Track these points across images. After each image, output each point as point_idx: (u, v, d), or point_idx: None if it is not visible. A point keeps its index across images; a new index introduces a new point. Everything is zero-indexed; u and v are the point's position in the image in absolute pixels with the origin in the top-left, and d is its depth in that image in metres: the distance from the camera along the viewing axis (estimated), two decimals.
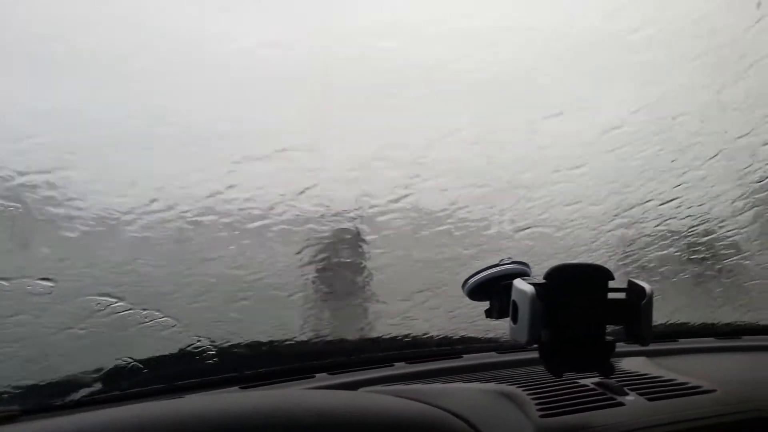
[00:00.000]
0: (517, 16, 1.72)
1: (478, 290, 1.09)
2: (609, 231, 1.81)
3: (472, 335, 1.44)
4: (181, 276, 1.39)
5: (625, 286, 0.93)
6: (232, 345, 1.26)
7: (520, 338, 0.90)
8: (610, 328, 0.93)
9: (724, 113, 1.84)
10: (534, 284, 0.89)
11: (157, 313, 1.28)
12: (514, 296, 0.91)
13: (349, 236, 1.58)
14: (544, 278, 0.92)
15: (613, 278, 0.92)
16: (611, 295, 0.92)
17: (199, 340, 1.25)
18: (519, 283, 0.91)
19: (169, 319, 1.26)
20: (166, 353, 1.26)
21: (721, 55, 1.81)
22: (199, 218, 1.43)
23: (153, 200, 1.38)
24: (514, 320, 0.91)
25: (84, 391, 1.14)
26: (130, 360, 1.21)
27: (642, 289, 0.90)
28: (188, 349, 1.27)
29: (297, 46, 1.56)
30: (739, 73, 1.81)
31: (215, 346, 1.25)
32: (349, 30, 1.60)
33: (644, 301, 0.89)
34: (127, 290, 1.30)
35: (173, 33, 1.47)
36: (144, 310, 1.29)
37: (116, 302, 1.27)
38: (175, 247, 1.43)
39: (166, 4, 1.51)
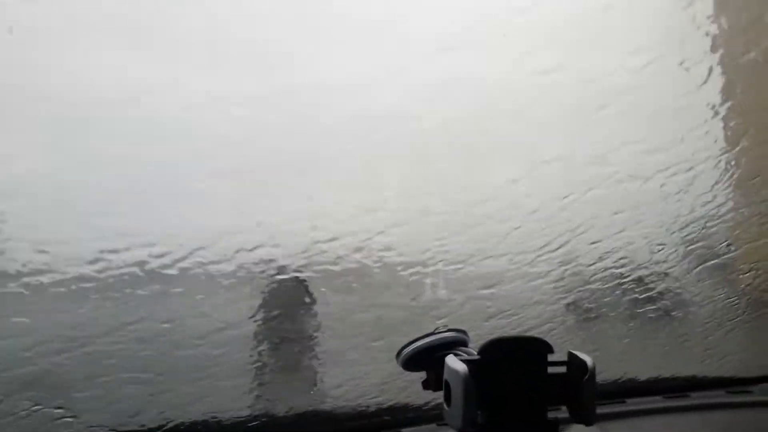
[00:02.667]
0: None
1: (412, 361, 1.01)
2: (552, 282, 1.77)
3: (413, 404, 1.35)
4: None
5: (564, 358, 0.86)
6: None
7: (454, 423, 0.81)
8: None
9: None
10: (467, 361, 0.81)
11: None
12: (446, 376, 0.83)
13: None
14: (478, 353, 0.84)
15: (552, 351, 0.84)
16: (551, 369, 0.85)
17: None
18: (451, 362, 0.82)
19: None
20: None
21: None
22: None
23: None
24: (447, 402, 0.82)
25: None
26: None
27: (583, 363, 0.83)
28: None
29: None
30: None
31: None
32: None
33: (586, 377, 0.82)
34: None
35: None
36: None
37: None
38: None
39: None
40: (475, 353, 0.85)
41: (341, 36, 1.68)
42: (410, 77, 1.65)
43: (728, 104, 1.79)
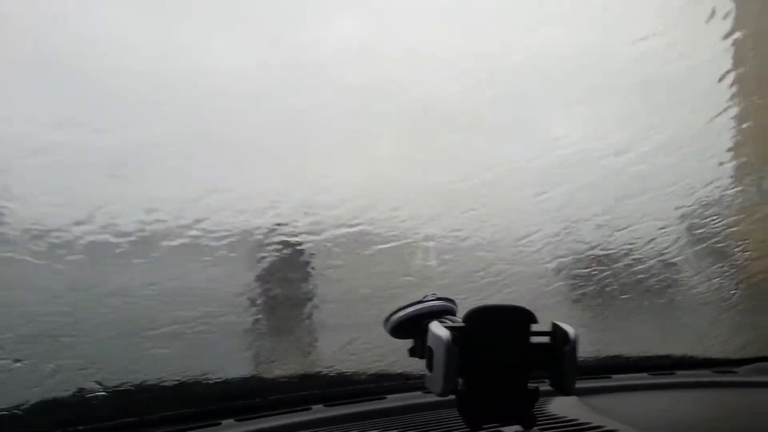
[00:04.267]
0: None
1: (400, 328, 1.01)
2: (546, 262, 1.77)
3: (400, 372, 1.36)
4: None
5: (548, 329, 0.86)
6: (124, 388, 1.13)
7: (435, 388, 0.81)
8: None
9: None
10: (451, 328, 0.81)
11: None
12: (429, 342, 0.83)
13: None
14: (463, 321, 0.84)
15: (536, 321, 0.84)
16: (534, 339, 0.85)
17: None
18: (435, 327, 0.82)
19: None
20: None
21: None
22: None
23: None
24: (429, 368, 0.83)
25: None
26: None
27: (566, 333, 0.83)
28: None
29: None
30: None
31: (105, 389, 1.11)
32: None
33: (568, 346, 0.82)
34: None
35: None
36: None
37: None
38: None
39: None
40: (461, 321, 0.85)
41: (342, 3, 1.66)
42: (407, 48, 1.63)
43: None
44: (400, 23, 1.70)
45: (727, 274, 1.91)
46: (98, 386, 1.11)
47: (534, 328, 0.85)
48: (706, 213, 1.95)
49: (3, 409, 1.06)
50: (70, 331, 1.22)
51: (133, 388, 1.14)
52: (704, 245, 2.01)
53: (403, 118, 1.72)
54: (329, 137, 1.65)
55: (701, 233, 2.00)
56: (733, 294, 1.88)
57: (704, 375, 1.53)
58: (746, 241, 1.98)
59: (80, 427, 1.08)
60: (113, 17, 1.40)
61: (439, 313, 0.96)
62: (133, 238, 1.33)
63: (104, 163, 1.38)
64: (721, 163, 1.90)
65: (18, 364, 1.11)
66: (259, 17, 1.61)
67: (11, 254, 1.19)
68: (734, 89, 1.79)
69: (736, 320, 1.84)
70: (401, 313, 1.00)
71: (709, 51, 1.76)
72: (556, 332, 0.85)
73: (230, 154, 1.55)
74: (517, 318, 0.84)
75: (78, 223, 1.28)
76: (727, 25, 1.74)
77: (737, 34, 1.74)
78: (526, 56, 1.72)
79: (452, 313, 1.00)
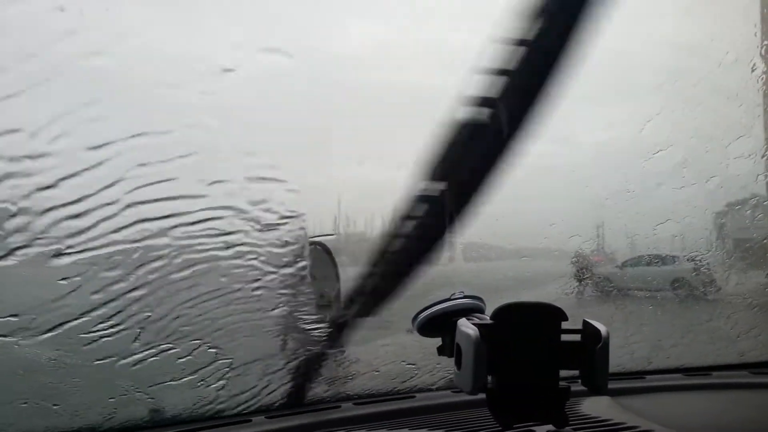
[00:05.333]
0: None
1: (428, 326, 1.01)
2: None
3: (428, 373, 1.35)
4: None
5: (580, 327, 0.85)
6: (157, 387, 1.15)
7: (464, 386, 0.81)
8: (564, 372, 0.85)
9: None
10: (480, 325, 0.81)
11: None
12: (458, 339, 0.82)
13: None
14: (491, 318, 0.83)
15: (566, 318, 0.83)
16: (565, 337, 0.84)
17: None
18: (463, 325, 0.82)
19: None
20: None
21: None
22: None
23: None
24: (458, 365, 0.82)
25: None
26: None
27: (597, 331, 0.82)
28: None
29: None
30: None
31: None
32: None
33: (599, 345, 0.81)
34: None
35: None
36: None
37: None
38: None
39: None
40: (489, 318, 0.85)
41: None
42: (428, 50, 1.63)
43: None
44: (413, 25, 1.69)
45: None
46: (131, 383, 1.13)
47: (564, 326, 0.84)
48: (746, 212, 1.91)
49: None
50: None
51: (164, 386, 1.16)
52: (745, 245, 1.96)
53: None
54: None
55: (741, 233, 1.95)
56: None
57: (741, 376, 1.48)
58: None
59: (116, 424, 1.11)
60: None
61: (466, 311, 0.96)
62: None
63: None
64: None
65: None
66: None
67: None
68: None
69: None
70: (428, 312, 1.00)
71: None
72: (587, 330, 0.83)
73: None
74: (547, 315, 0.83)
75: None
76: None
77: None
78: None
79: (480, 311, 0.99)
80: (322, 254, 1.54)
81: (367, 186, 1.63)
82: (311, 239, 1.49)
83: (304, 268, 1.48)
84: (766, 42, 1.72)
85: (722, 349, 1.73)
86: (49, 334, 1.10)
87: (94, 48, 1.14)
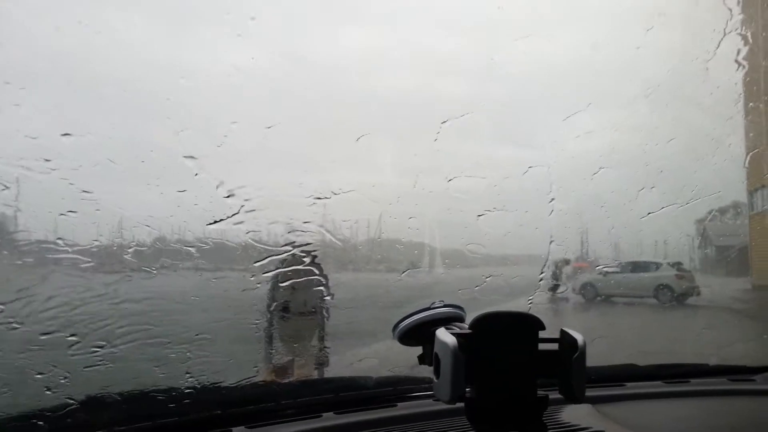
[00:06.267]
0: None
1: (408, 335, 1.01)
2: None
3: (410, 377, 1.35)
4: None
5: (556, 336, 0.85)
6: (136, 394, 1.14)
7: (442, 396, 0.81)
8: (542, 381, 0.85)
9: None
10: (458, 335, 0.81)
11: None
12: (436, 348, 0.83)
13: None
14: (470, 327, 0.83)
15: (543, 328, 0.84)
16: (542, 346, 0.84)
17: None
18: (441, 334, 0.82)
19: None
20: None
21: None
22: None
23: None
24: (437, 375, 0.82)
25: None
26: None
27: (574, 340, 0.82)
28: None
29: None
30: None
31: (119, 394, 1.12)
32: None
33: (576, 354, 0.82)
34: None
35: None
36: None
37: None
38: None
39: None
40: (467, 328, 0.85)
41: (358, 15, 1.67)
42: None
43: None
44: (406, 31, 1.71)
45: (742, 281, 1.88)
46: (110, 392, 1.12)
47: (542, 335, 0.84)
48: (725, 219, 1.93)
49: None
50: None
51: (145, 394, 1.14)
52: (722, 252, 1.98)
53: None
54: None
55: (719, 239, 1.97)
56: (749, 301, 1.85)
57: (720, 383, 1.50)
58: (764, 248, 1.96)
59: None
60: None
61: (446, 320, 0.96)
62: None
63: None
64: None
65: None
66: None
67: None
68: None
69: (753, 328, 1.81)
70: (408, 321, 1.00)
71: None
72: (564, 339, 0.84)
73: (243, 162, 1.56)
74: (524, 324, 0.83)
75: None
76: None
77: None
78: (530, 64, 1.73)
79: (460, 319, 1.00)
80: (308, 262, 1.54)
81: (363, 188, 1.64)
82: (296, 247, 1.49)
83: (287, 276, 1.48)
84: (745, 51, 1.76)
85: (702, 355, 1.75)
86: None
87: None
